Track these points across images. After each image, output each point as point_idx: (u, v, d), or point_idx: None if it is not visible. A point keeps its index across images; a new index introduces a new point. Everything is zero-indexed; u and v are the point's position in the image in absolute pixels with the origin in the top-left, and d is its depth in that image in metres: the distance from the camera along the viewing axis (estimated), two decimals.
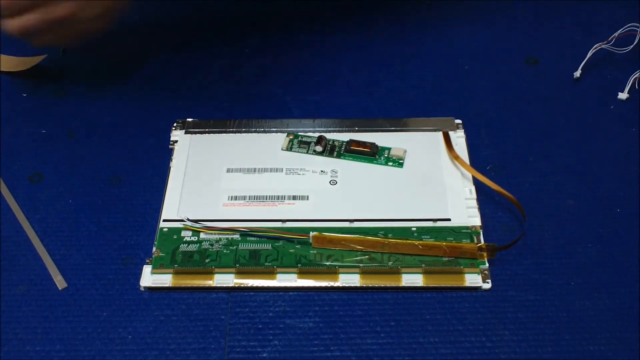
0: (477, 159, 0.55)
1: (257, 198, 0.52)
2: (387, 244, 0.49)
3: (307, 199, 0.52)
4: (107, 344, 0.46)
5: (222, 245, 0.50)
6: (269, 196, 0.52)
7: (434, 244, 0.48)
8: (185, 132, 0.57)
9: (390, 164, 0.55)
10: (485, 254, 0.49)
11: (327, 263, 0.49)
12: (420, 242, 0.49)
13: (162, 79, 0.63)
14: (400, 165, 0.55)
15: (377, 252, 0.49)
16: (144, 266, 0.49)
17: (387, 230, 0.50)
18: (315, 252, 0.49)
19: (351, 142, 0.56)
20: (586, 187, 0.54)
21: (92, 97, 0.62)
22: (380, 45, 0.65)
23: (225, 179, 0.54)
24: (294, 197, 0.52)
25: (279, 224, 0.51)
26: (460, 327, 0.46)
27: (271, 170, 0.54)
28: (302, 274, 0.48)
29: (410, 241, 0.49)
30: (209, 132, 0.57)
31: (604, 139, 0.57)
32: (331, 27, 0.67)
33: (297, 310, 0.47)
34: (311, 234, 0.49)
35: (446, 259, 0.48)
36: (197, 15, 0.68)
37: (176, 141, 0.57)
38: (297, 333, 0.46)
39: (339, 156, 0.55)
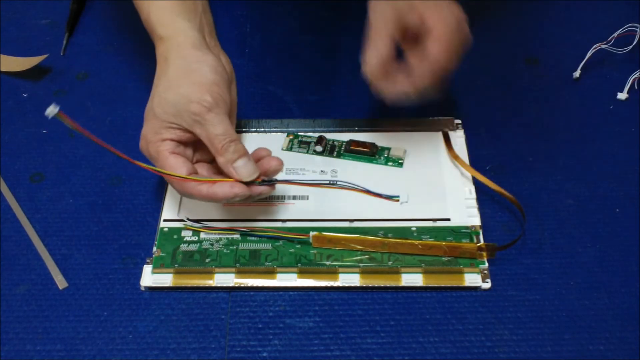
0: (477, 159, 0.55)
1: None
2: (386, 243, 0.49)
3: (307, 199, 0.52)
4: (107, 344, 0.46)
5: (222, 245, 0.50)
6: (269, 196, 0.52)
7: (434, 243, 0.49)
8: None
9: (390, 163, 0.55)
10: (484, 254, 0.49)
11: (327, 263, 0.49)
12: (420, 242, 0.49)
13: None
14: (400, 165, 0.55)
15: (377, 251, 0.49)
16: (145, 266, 0.49)
17: (387, 230, 0.50)
18: (315, 252, 0.49)
19: (351, 142, 0.56)
20: (586, 187, 0.54)
21: (92, 97, 0.62)
22: None
23: None
24: (294, 197, 0.52)
25: (279, 224, 0.51)
26: (459, 327, 0.46)
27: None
28: (302, 273, 0.48)
29: (410, 241, 0.49)
30: None
31: (603, 139, 0.57)
32: (331, 27, 0.67)
33: (297, 309, 0.47)
34: (311, 233, 0.49)
35: (446, 258, 0.48)
36: None
37: None
38: (297, 333, 0.46)
39: (339, 156, 0.55)
